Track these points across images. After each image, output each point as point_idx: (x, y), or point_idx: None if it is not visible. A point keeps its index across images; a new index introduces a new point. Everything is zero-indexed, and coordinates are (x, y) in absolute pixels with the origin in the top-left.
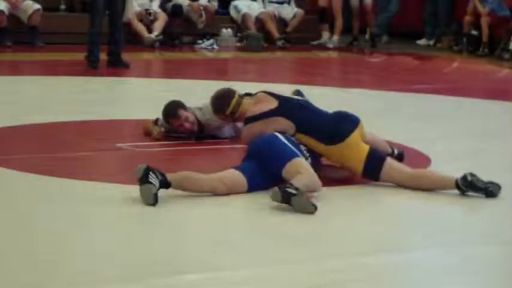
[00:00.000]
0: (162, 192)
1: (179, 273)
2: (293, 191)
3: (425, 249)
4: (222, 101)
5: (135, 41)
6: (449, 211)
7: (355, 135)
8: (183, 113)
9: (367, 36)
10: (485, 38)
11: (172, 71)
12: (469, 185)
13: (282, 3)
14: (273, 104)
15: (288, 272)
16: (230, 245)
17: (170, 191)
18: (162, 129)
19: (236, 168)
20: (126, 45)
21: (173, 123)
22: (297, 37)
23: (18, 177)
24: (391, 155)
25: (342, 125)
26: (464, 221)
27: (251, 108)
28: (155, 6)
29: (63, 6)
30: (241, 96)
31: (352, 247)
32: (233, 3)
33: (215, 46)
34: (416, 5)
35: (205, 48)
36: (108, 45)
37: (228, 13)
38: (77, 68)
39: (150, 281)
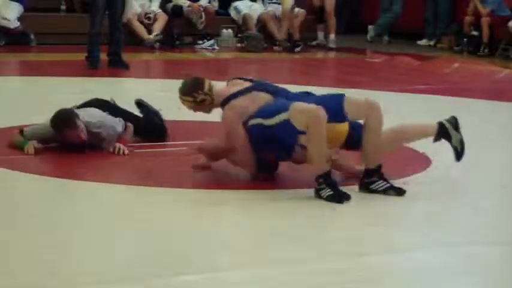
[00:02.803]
0: (162, 194)
1: (178, 274)
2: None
3: (426, 250)
4: (194, 84)
5: (135, 42)
6: (449, 211)
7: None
8: (80, 123)
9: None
10: (485, 39)
11: (172, 72)
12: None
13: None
14: (247, 84)
15: (288, 272)
16: (229, 245)
17: (170, 190)
18: (35, 144)
19: None
20: (126, 46)
21: (68, 133)
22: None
23: (18, 177)
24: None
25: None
26: (465, 221)
27: (226, 90)
28: (155, 7)
29: (63, 7)
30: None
31: (352, 247)
32: (233, 4)
33: (215, 47)
34: (417, 6)
35: (205, 49)
36: (108, 46)
37: (229, 14)
38: (77, 69)
39: (150, 281)
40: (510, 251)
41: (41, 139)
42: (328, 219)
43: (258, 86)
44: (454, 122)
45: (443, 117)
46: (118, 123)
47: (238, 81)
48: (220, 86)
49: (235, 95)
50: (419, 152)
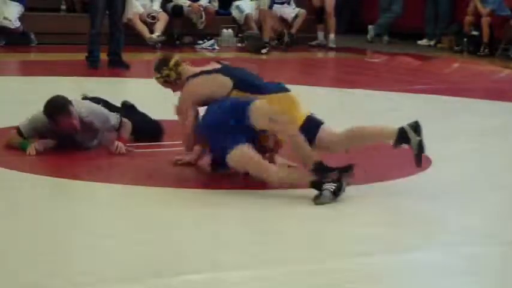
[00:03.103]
0: (162, 194)
1: (179, 274)
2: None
3: (426, 250)
4: (161, 61)
5: (136, 42)
6: (449, 211)
7: (291, 95)
8: (73, 109)
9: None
10: (485, 39)
11: None
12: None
13: (282, 3)
14: (215, 66)
15: (288, 272)
16: (230, 245)
17: (170, 190)
18: (37, 146)
19: None
20: (126, 46)
21: (62, 121)
22: (296, 37)
23: (17, 177)
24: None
25: (277, 85)
26: (465, 221)
27: (193, 69)
28: (156, 7)
29: (63, 7)
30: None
31: (352, 248)
32: (235, 3)
33: (216, 46)
34: (417, 6)
35: (206, 49)
36: (108, 46)
37: (229, 14)
38: (77, 68)
39: (150, 281)
40: (510, 251)
41: (36, 132)
42: (329, 220)
43: (222, 69)
44: (415, 125)
45: (444, 116)
46: (113, 116)
47: (214, 63)
48: (188, 66)
49: (197, 74)
50: None
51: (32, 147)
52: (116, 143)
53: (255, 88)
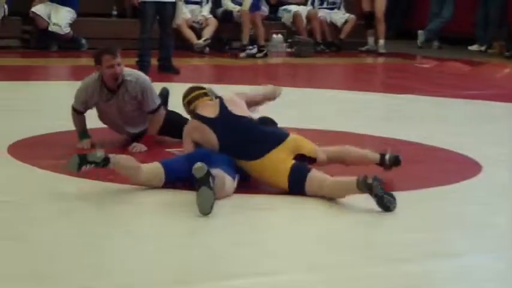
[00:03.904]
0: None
1: (223, 278)
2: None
3: (473, 255)
4: (189, 89)
5: (185, 47)
6: (500, 217)
7: (275, 153)
8: (119, 57)
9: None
10: None
11: (221, 77)
12: (368, 187)
13: (332, 8)
14: (214, 113)
15: (325, 277)
16: (275, 250)
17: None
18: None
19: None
20: (176, 51)
21: (106, 61)
22: (346, 43)
23: (69, 182)
24: (382, 161)
25: (261, 144)
26: None
27: (202, 107)
28: (206, 12)
29: (114, 12)
30: (207, 95)
31: (391, 253)
32: (282, 7)
33: None
34: (467, 10)
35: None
36: (158, 51)
37: (278, 19)
38: None
39: (197, 285)
40: None
41: (86, 105)
42: (371, 225)
43: (215, 123)
44: (394, 159)
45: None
46: (156, 96)
47: (216, 104)
48: (204, 102)
49: (197, 117)
50: (469, 158)
51: (87, 142)
52: (134, 144)
53: (238, 155)
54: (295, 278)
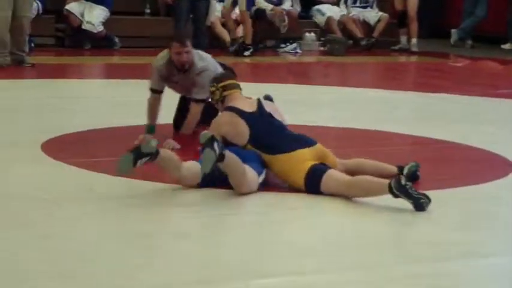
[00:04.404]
0: (242, 197)
1: (257, 277)
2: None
3: (506, 256)
4: (216, 76)
5: (219, 45)
6: None
7: (301, 152)
8: (189, 45)
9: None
10: None
11: (254, 75)
12: (402, 190)
13: (365, 7)
14: (252, 108)
15: (363, 277)
16: (311, 249)
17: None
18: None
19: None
20: (209, 49)
21: (175, 48)
22: (379, 41)
23: (104, 180)
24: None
25: (292, 142)
26: None
27: (236, 100)
28: (238, 11)
29: (148, 10)
30: (240, 87)
31: (431, 252)
32: (315, 7)
33: (298, 50)
34: (501, 9)
35: (288, 52)
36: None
37: (311, 17)
38: None
39: (226, 284)
40: None
41: (163, 82)
42: (402, 224)
43: (251, 117)
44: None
45: None
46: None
47: (255, 101)
48: (238, 94)
49: (232, 109)
50: (501, 157)
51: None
52: (167, 140)
53: (266, 148)
54: (331, 278)
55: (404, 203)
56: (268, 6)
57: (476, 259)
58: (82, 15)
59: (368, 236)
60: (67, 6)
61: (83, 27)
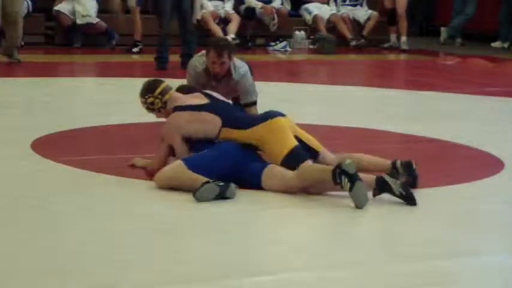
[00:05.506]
0: (241, 195)
1: (250, 275)
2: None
3: (497, 254)
4: (147, 86)
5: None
6: None
7: (281, 120)
8: (226, 56)
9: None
10: None
11: None
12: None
13: (355, 5)
14: (204, 100)
15: (362, 274)
16: (302, 247)
17: (247, 192)
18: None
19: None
20: (200, 47)
21: (211, 57)
22: (367, 40)
23: (94, 178)
24: (394, 168)
25: (265, 114)
26: None
27: (181, 99)
28: (228, 8)
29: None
30: (171, 88)
31: (423, 250)
32: (304, 5)
33: (288, 48)
34: (490, 7)
35: (278, 51)
36: (181, 48)
37: (301, 15)
38: (147, 70)
39: (222, 282)
40: None
41: (198, 83)
42: (404, 222)
43: (210, 106)
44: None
45: None
46: (254, 91)
47: (198, 94)
48: (177, 94)
49: (185, 108)
50: (492, 156)
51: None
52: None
53: (244, 124)
54: (322, 275)
55: (397, 201)
56: (258, 4)
57: (467, 257)
58: (72, 13)
59: (359, 233)
60: (56, 7)
61: (79, 22)
